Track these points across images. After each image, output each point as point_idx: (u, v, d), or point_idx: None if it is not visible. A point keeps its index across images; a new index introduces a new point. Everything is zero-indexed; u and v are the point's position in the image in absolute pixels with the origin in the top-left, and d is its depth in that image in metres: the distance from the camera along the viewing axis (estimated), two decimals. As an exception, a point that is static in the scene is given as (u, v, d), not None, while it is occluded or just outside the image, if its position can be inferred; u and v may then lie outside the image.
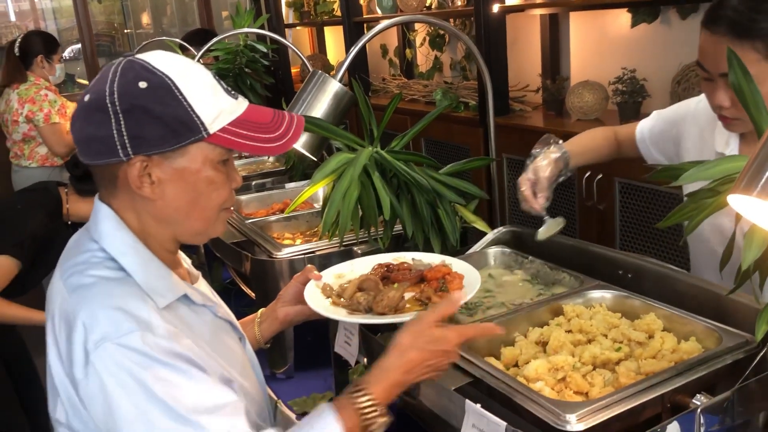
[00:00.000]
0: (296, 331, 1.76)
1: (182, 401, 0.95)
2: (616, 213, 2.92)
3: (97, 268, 1.04)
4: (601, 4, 3.09)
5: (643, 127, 1.77)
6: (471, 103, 3.72)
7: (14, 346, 2.61)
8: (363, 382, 1.08)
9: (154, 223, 1.08)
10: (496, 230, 1.80)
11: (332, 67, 5.57)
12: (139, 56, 1.04)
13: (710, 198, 0.98)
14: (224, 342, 1.16)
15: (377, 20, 4.53)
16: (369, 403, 1.05)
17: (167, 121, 1.00)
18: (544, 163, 1.62)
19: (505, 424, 1.01)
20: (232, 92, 1.10)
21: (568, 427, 1.00)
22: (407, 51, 4.84)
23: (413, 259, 1.49)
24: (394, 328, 1.28)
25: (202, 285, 1.23)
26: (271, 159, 3.24)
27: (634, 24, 3.15)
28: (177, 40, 4.32)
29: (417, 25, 4.68)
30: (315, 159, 1.79)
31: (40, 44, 4.02)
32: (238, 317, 1.42)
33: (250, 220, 2.28)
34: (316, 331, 1.63)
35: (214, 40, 3.22)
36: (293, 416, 1.45)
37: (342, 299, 1.35)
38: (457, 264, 1.43)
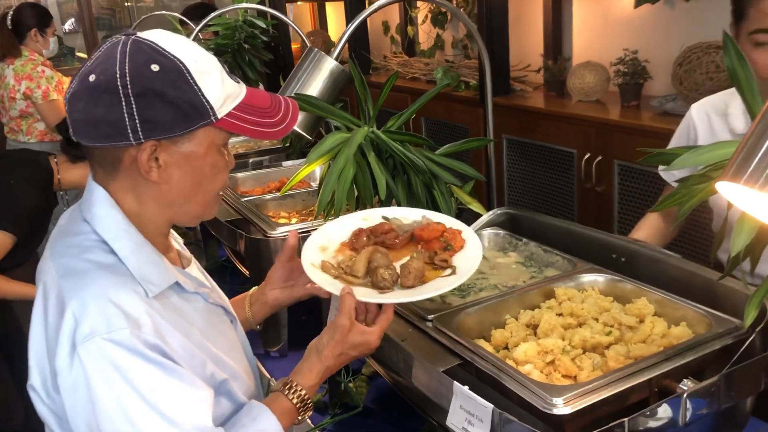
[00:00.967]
0: (290, 309, 1.77)
1: (164, 399, 0.96)
2: (615, 195, 2.91)
3: (90, 251, 1.04)
4: (605, -16, 3.07)
5: (660, 169, 1.74)
6: (472, 83, 3.70)
7: (9, 324, 2.63)
8: (292, 378, 1.16)
9: (155, 206, 1.08)
10: (491, 212, 1.79)
11: (333, 44, 5.51)
12: (143, 36, 1.02)
13: (702, 184, 0.97)
14: (215, 326, 1.17)
15: (379, -4, 4.48)
16: (301, 398, 1.14)
17: (179, 105, 0.99)
18: None
19: (491, 406, 1.01)
20: (233, 76, 1.09)
21: (555, 411, 1.01)
22: (409, 28, 4.80)
23: (386, 217, 1.41)
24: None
25: (194, 269, 1.23)
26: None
27: (637, 4, 3.11)
28: (176, 14, 4.28)
29: (419, 3, 4.63)
30: (310, 138, 1.78)
31: (33, 17, 3.94)
32: (233, 295, 1.42)
33: (245, 198, 2.27)
34: (310, 310, 1.64)
35: (213, 14, 3.18)
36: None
37: (357, 278, 1.25)
38: (438, 217, 1.39)
